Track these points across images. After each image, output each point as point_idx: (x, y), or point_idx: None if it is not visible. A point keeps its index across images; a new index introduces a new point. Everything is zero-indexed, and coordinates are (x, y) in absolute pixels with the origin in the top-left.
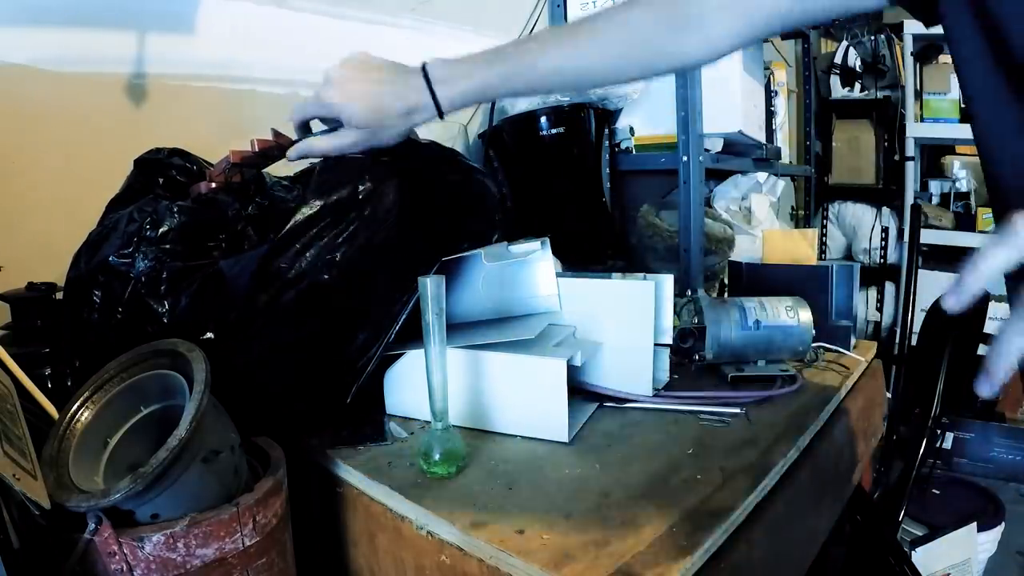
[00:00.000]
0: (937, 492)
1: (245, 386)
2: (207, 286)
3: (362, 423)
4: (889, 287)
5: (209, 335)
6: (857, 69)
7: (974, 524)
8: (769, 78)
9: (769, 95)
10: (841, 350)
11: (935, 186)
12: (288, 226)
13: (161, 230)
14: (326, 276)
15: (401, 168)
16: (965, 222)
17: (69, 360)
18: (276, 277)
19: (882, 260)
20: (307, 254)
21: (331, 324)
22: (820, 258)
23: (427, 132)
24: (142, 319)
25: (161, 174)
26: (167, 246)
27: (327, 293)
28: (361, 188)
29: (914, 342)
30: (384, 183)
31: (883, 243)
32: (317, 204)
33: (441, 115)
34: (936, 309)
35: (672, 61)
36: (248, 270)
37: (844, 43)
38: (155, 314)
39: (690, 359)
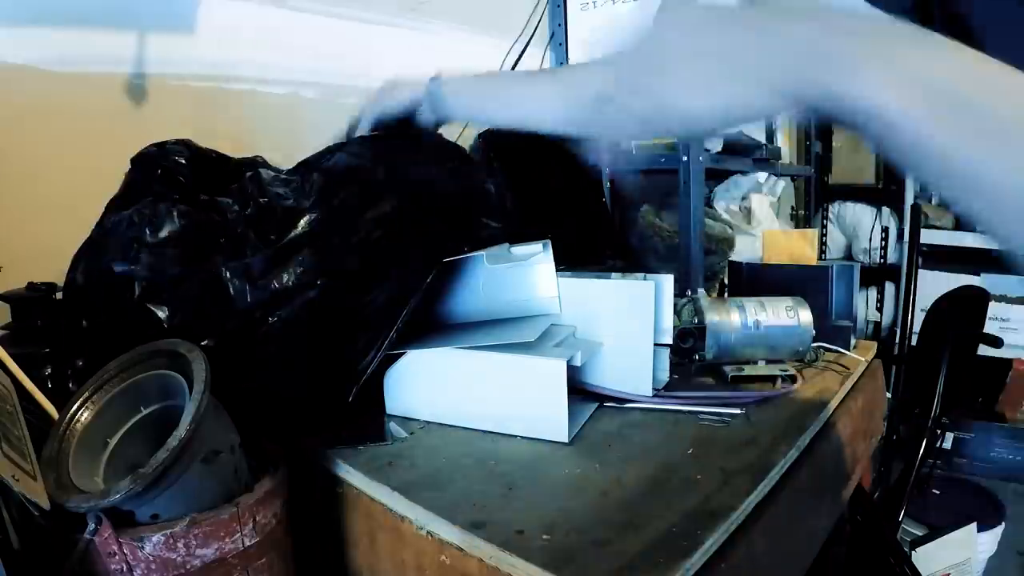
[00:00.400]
0: (937, 492)
1: (245, 388)
2: (208, 292)
3: (362, 423)
4: (889, 287)
5: (209, 342)
6: None
7: (974, 524)
8: None
9: None
10: (841, 350)
11: None
12: (290, 235)
13: (161, 234)
14: (329, 282)
15: (402, 169)
16: (965, 222)
17: (69, 360)
18: (278, 285)
19: (882, 260)
20: (310, 262)
21: (333, 329)
22: (820, 258)
23: None
24: (143, 325)
25: (159, 170)
26: (167, 249)
27: (329, 299)
28: (363, 194)
29: (914, 342)
30: (386, 189)
31: (883, 243)
32: (318, 211)
33: None
34: (936, 309)
35: None
36: (249, 277)
37: None
38: (155, 320)
39: (690, 359)
